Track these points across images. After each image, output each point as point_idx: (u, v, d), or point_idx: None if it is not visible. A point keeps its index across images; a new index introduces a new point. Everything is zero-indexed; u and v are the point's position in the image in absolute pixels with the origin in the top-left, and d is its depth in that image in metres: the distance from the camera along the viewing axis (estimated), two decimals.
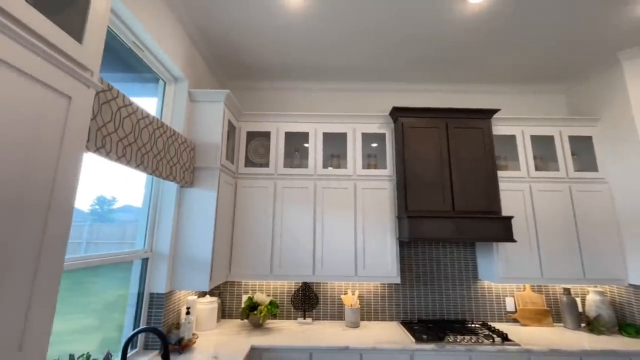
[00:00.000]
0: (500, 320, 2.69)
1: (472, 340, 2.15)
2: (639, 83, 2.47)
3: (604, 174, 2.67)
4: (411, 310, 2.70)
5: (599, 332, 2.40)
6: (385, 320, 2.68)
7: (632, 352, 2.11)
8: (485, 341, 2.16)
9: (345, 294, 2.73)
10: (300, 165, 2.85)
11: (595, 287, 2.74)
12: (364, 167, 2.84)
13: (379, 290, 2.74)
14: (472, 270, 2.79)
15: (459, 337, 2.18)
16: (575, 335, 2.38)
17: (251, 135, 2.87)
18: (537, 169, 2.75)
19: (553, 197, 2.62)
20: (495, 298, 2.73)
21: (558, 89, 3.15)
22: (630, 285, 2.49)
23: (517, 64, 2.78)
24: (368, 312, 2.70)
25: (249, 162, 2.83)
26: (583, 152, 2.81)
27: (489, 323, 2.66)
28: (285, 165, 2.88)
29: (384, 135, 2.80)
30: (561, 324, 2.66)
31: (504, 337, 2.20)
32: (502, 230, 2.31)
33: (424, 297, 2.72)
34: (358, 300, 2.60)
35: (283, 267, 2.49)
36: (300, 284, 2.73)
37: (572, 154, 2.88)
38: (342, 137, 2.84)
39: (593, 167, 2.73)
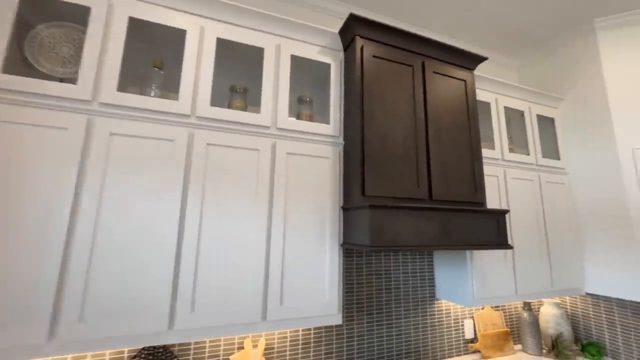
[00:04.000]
0: (458, 354, 1.97)
1: None
2: (616, 58, 2.11)
3: (565, 164, 2.28)
4: (350, 358, 1.67)
5: (566, 357, 1.93)
6: None
7: None
8: None
9: (239, 349, 1.47)
10: (161, 94, 1.41)
11: (552, 298, 2.35)
12: (291, 116, 1.63)
13: (300, 336, 1.60)
14: (429, 287, 1.97)
15: None
16: None
17: (38, 11, 1.25)
18: (510, 150, 2.14)
19: (525, 188, 2.04)
20: (454, 323, 1.99)
21: (512, 64, 2.70)
22: (588, 294, 2.13)
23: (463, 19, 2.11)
24: None
25: (27, 67, 1.21)
26: (545, 136, 2.38)
27: None
28: (121, 89, 1.39)
29: (327, 68, 1.65)
30: (519, 346, 2.13)
31: None
32: (495, 230, 1.52)
33: (369, 333, 1.74)
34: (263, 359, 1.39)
35: (92, 317, 1.03)
36: (140, 351, 1.32)
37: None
38: (256, 55, 1.54)
39: (555, 155, 2.31)
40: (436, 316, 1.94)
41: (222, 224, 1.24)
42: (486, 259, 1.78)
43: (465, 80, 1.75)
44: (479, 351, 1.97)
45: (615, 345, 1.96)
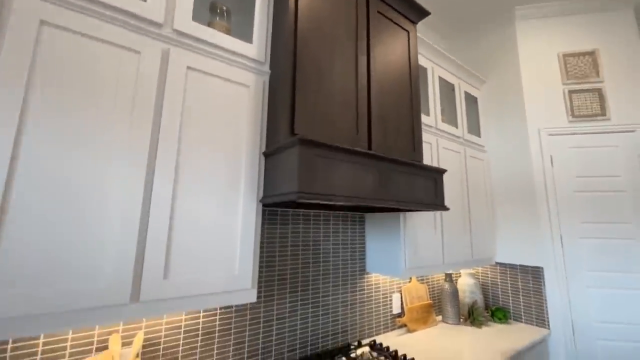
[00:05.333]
0: (386, 329, 1.85)
1: None
2: (531, 45, 2.28)
3: (484, 142, 2.40)
4: (266, 346, 1.35)
5: (480, 324, 1.99)
6: None
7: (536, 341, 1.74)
8: None
9: (101, 349, 1.01)
10: None
11: (469, 269, 2.45)
12: (196, 20, 1.20)
13: (200, 323, 1.21)
14: (360, 260, 1.80)
15: None
16: (466, 333, 1.85)
17: None
18: (442, 120, 2.12)
19: (453, 160, 2.03)
20: (382, 297, 1.86)
21: (443, 45, 2.75)
22: (497, 263, 2.27)
23: None
24: None
25: None
26: (469, 114, 2.46)
27: (378, 339, 1.75)
28: None
29: None
30: (440, 317, 2.14)
31: None
32: (433, 190, 1.39)
33: (291, 314, 1.45)
34: None
35: None
36: None
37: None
38: None
39: (476, 133, 2.41)
40: (365, 291, 1.77)
41: (61, 158, 0.77)
42: (418, 228, 1.68)
43: (408, 32, 1.60)
44: (405, 325, 1.89)
45: (518, 308, 2.12)
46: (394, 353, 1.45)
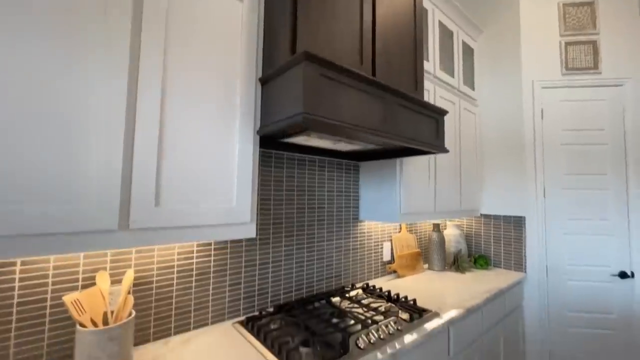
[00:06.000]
0: (377, 275, 1.90)
1: (388, 330, 1.10)
2: None
3: (478, 96, 2.37)
4: (262, 288, 1.34)
5: (464, 270, 2.10)
6: (207, 322, 1.17)
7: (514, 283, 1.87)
8: (404, 322, 1.18)
9: (87, 286, 0.93)
10: None
11: (453, 220, 2.53)
12: None
13: (194, 261, 1.15)
14: (354, 208, 1.78)
15: (368, 335, 1.07)
16: (451, 278, 1.94)
17: None
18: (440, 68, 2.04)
19: (448, 123, 1.99)
20: (374, 245, 1.89)
21: None
22: (482, 215, 2.35)
23: None
24: (159, 315, 1.07)
25: None
26: (465, 65, 2.39)
27: (370, 282, 1.79)
28: None
29: None
30: (427, 265, 2.23)
31: (415, 308, 1.33)
32: (435, 131, 1.35)
33: (287, 258, 1.43)
34: (130, 300, 0.91)
35: None
36: None
37: None
38: None
39: (471, 86, 2.36)
40: (358, 238, 1.78)
41: (33, 69, 0.63)
42: (413, 175, 1.67)
43: None
44: (395, 271, 1.95)
45: (498, 255, 2.24)
46: (386, 293, 1.49)
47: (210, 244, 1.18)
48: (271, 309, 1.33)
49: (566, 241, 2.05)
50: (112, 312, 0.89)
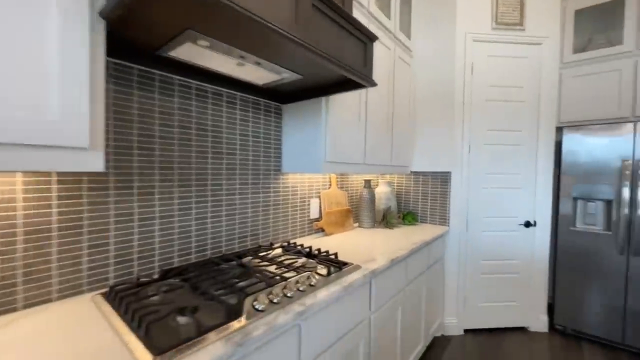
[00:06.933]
0: (303, 234, 1.72)
1: (297, 287, 0.93)
2: None
3: (413, 46, 2.25)
4: (146, 249, 1.04)
5: (392, 226, 2.06)
6: (50, 298, 0.84)
7: (437, 236, 1.87)
8: (320, 277, 1.02)
9: None
10: None
11: (385, 178, 2.47)
12: None
13: (18, 209, 0.79)
14: (276, 159, 1.53)
15: (270, 294, 0.87)
16: (379, 233, 1.88)
17: None
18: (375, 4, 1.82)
19: (383, 57, 1.82)
20: (300, 202, 1.70)
21: None
22: (412, 172, 2.33)
23: None
24: None
25: None
26: (402, 10, 2.22)
27: (294, 241, 1.61)
28: None
29: None
30: (357, 224, 2.15)
31: (335, 262, 1.18)
32: (362, 58, 1.14)
33: (182, 215, 1.13)
34: None
35: None
36: None
37: None
38: None
39: (407, 34, 2.22)
40: (281, 193, 1.56)
41: None
42: (340, 118, 1.47)
43: None
44: (322, 229, 1.80)
45: (425, 211, 2.27)
46: (307, 249, 1.32)
47: (49, 187, 0.83)
48: (156, 276, 1.05)
49: (484, 195, 2.14)
50: None
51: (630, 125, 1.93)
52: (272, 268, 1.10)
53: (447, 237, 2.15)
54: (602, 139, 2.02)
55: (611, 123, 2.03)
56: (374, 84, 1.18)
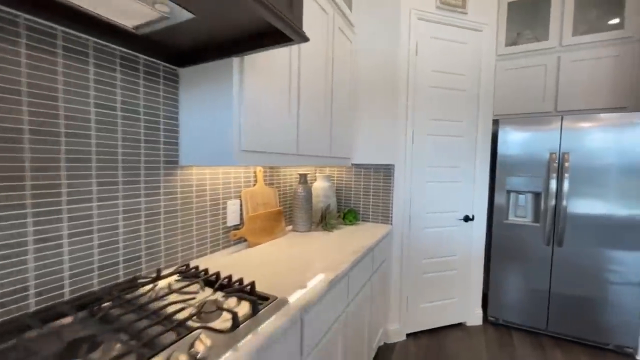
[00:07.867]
0: (216, 248, 1.29)
1: None
2: None
3: (355, 21, 1.95)
4: None
5: (331, 227, 1.77)
6: None
7: (382, 237, 1.62)
8: (213, 334, 0.63)
9: None
10: None
11: (323, 171, 2.15)
12: None
13: None
14: (167, 146, 1.06)
15: None
16: (316, 239, 1.56)
17: None
18: None
19: (319, 20, 1.47)
20: (211, 206, 1.26)
21: None
22: (353, 165, 2.07)
23: None
24: None
25: None
26: None
27: (196, 264, 1.17)
28: None
29: None
30: (290, 227, 1.79)
31: (249, 297, 0.81)
32: (288, 2, 0.76)
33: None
34: None
35: None
36: None
37: None
38: None
39: (348, 4, 1.91)
40: (178, 195, 1.10)
41: None
42: (263, 90, 1.08)
43: None
44: (244, 239, 1.40)
45: (367, 209, 2.03)
46: (214, 276, 0.91)
47: None
48: None
49: (426, 189, 2.00)
50: None
51: (557, 119, 1.96)
52: (138, 325, 0.66)
53: (391, 235, 1.95)
54: (533, 133, 2.04)
55: (539, 116, 2.06)
56: (305, 38, 0.82)
